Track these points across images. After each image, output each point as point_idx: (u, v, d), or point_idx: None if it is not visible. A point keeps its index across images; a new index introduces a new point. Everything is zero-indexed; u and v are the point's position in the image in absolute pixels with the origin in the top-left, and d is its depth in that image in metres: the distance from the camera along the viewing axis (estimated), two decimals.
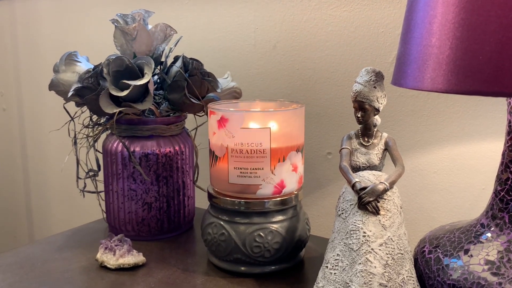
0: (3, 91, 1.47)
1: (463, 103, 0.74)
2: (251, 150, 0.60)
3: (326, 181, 0.88)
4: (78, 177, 0.79)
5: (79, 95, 0.68)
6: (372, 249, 0.51)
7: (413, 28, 0.47)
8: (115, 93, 0.60)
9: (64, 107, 0.77)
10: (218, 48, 0.97)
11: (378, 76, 0.60)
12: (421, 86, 0.46)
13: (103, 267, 0.65)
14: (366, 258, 0.50)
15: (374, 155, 0.62)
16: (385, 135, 0.63)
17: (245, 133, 0.60)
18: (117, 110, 0.61)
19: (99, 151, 0.77)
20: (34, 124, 1.40)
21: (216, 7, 0.96)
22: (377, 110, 0.61)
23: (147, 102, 0.62)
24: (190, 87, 0.70)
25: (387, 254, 0.51)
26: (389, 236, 0.52)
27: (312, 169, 0.88)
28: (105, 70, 0.61)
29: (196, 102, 0.70)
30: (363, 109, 0.60)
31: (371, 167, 0.62)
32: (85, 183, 0.77)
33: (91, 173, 0.76)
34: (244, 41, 0.94)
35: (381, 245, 0.51)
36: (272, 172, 0.61)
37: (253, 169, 0.60)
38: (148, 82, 0.61)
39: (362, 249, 0.51)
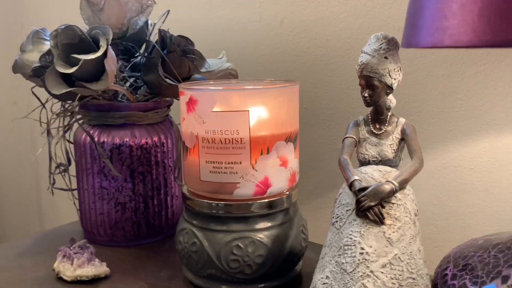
0: (12, 84, 1.42)
1: (508, 82, 0.59)
2: (225, 139, 0.48)
3: (340, 179, 0.74)
4: (50, 172, 0.69)
5: (38, 76, 0.58)
6: (371, 271, 0.37)
7: None
8: (62, 70, 0.49)
9: (32, 91, 0.67)
10: (220, 27, 0.85)
11: (391, 44, 0.47)
12: (439, 41, 0.33)
13: (60, 278, 0.55)
14: (363, 284, 0.37)
15: (388, 146, 0.48)
16: (402, 120, 0.49)
17: (218, 117, 0.47)
18: (66, 90, 0.50)
19: (71, 143, 0.67)
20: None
21: None
22: (389, 88, 0.47)
23: (103, 81, 0.51)
24: (167, 66, 0.59)
25: (392, 278, 0.37)
26: (396, 254, 0.38)
27: (324, 165, 0.75)
28: (52, 43, 0.50)
29: (173, 83, 0.58)
30: (371, 86, 0.47)
31: (383, 161, 0.48)
32: (54, 179, 0.68)
33: (61, 168, 0.66)
34: (248, 18, 0.82)
35: (384, 266, 0.38)
36: (253, 167, 0.48)
37: (228, 163, 0.48)
38: (105, 56, 0.50)
39: (358, 272, 0.37)
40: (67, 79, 0.52)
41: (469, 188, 0.64)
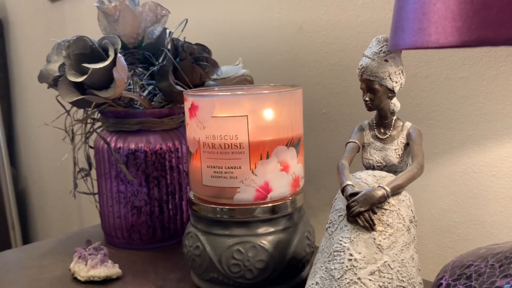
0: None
1: None
2: (224, 144, 0.48)
3: None
4: (75, 177, 0.72)
5: (56, 85, 0.61)
6: (358, 278, 0.36)
7: None
8: (72, 78, 0.52)
9: (57, 100, 0.71)
10: (240, 34, 0.86)
11: None
12: (422, 41, 0.32)
13: (75, 278, 0.58)
14: None
15: (392, 151, 0.47)
16: (408, 125, 0.47)
17: (217, 122, 0.48)
18: (77, 98, 0.53)
19: (92, 148, 0.70)
20: None
21: None
22: (391, 92, 0.46)
23: (111, 89, 0.53)
24: (179, 73, 0.60)
25: (380, 286, 0.36)
26: (386, 262, 0.37)
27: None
28: (64, 53, 0.53)
29: (182, 90, 0.59)
30: (372, 89, 0.46)
31: (388, 166, 0.47)
32: (76, 184, 0.71)
33: (82, 173, 0.69)
34: (268, 24, 0.83)
35: (372, 273, 0.37)
36: (252, 172, 0.48)
37: (228, 168, 0.49)
38: (114, 65, 0.52)
39: (345, 278, 0.37)
40: (79, 87, 0.54)
41: (491, 195, 0.61)
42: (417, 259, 0.39)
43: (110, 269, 0.57)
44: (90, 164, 0.69)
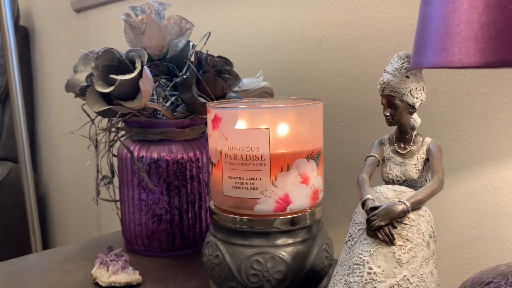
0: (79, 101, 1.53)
1: None
2: (246, 155, 0.49)
3: None
4: (97, 184, 0.74)
5: (83, 94, 0.63)
6: None
7: None
8: (100, 89, 0.54)
9: (83, 109, 0.73)
10: (262, 47, 0.88)
11: None
12: (445, 61, 0.33)
13: (96, 283, 0.59)
14: None
15: (412, 166, 0.48)
16: (428, 140, 0.48)
17: (239, 134, 0.49)
18: (104, 108, 0.54)
19: (115, 156, 0.72)
20: None
21: (259, 2, 0.87)
22: (412, 107, 0.47)
23: (138, 99, 0.54)
24: (201, 85, 0.62)
25: None
26: (405, 276, 0.37)
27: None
28: (93, 64, 0.54)
29: (205, 101, 0.61)
30: (393, 105, 0.46)
31: (407, 181, 0.47)
32: (99, 191, 0.72)
33: (105, 180, 0.71)
34: (289, 38, 0.84)
35: (391, 287, 0.37)
36: (273, 184, 0.49)
37: (249, 179, 0.49)
38: (141, 76, 0.54)
39: None
40: (106, 97, 0.56)
41: (511, 212, 0.60)
42: (436, 275, 0.39)
43: (130, 276, 0.58)
44: (113, 172, 0.71)
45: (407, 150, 0.48)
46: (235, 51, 0.92)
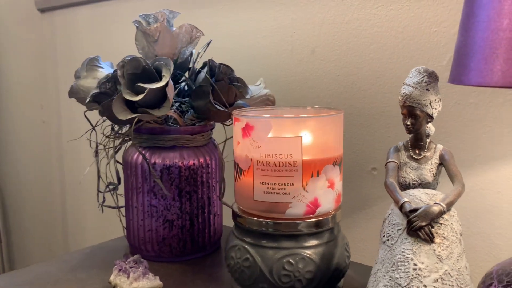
0: (43, 103, 1.47)
1: None
2: (279, 162, 0.52)
3: (371, 200, 0.78)
4: (98, 191, 0.73)
5: (97, 101, 0.63)
6: (424, 285, 0.41)
7: (477, 10, 0.37)
8: (129, 97, 0.54)
9: (85, 115, 0.72)
10: (253, 55, 0.91)
11: (432, 77, 0.51)
12: (489, 81, 0.37)
13: None
14: None
15: (427, 170, 0.52)
16: (439, 147, 0.53)
17: (273, 142, 0.52)
18: (131, 116, 0.55)
19: (120, 163, 0.72)
20: (71, 136, 1.38)
21: (252, 11, 0.90)
22: (430, 117, 0.52)
23: (164, 108, 0.55)
24: (216, 93, 0.64)
25: None
26: (446, 270, 0.42)
27: (354, 187, 0.79)
28: (119, 72, 0.55)
29: (222, 109, 0.62)
30: (414, 115, 0.51)
31: (423, 184, 0.52)
32: (104, 197, 0.72)
33: (110, 187, 0.70)
34: (280, 47, 0.87)
35: (436, 281, 0.41)
36: (304, 189, 0.52)
37: (281, 184, 0.52)
38: (167, 85, 0.55)
39: (412, 286, 0.41)
40: (130, 105, 0.56)
41: (496, 210, 0.67)
42: (469, 268, 0.44)
43: (152, 282, 0.59)
44: (119, 179, 0.70)
45: (422, 156, 0.53)
46: (228, 59, 0.94)
